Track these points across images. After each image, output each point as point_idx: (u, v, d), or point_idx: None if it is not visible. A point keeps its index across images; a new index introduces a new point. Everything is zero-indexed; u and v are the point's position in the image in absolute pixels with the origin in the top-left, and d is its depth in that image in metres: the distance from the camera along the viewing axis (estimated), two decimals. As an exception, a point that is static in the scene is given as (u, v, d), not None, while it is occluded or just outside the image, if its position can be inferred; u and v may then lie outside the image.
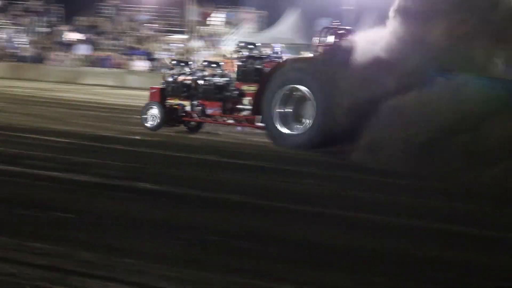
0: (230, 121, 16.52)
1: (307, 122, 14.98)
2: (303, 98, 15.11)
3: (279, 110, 15.25)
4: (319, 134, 14.62)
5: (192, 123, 16.94)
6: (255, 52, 16.46)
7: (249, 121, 16.14)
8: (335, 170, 12.80)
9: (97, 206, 8.51)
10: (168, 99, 16.79)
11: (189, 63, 17.80)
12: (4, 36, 38.76)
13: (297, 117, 15.30)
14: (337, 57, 14.68)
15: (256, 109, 15.72)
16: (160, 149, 13.98)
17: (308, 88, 14.91)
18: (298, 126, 15.22)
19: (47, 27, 39.29)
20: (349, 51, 14.46)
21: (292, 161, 13.41)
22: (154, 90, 17.10)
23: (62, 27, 38.83)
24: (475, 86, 12.70)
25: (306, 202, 9.65)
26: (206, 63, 17.60)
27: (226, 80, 16.45)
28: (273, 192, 10.38)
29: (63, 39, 37.93)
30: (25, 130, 15.17)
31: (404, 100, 13.09)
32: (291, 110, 15.27)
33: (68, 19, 39.59)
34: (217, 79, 16.46)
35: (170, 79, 16.98)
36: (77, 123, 17.10)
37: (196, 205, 9.07)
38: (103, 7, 39.56)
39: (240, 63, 16.40)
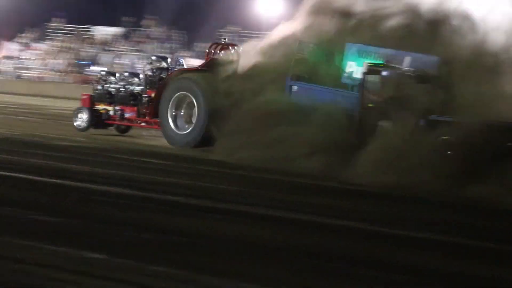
0: (142, 124, 19.13)
1: (193, 123, 17.55)
2: (192, 103, 17.63)
3: (172, 112, 17.86)
4: (200, 134, 17.28)
5: (122, 126, 19.66)
6: (163, 64, 19.29)
7: (156, 124, 18.44)
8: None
9: (216, 231, 8.65)
10: (95, 105, 19.43)
11: (115, 74, 20.60)
12: (127, 62, 39.76)
13: (187, 120, 17.86)
14: (217, 68, 17.51)
15: (155, 112, 18.25)
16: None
17: (193, 95, 17.56)
18: (186, 127, 17.78)
19: (169, 53, 40.13)
20: (227, 64, 17.45)
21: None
22: (84, 97, 19.87)
23: (183, 53, 39.58)
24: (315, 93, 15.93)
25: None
26: (127, 74, 20.62)
27: (141, 89, 19.03)
28: (395, 219, 10.47)
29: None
30: (157, 155, 15.93)
31: (260, 103, 15.95)
32: (182, 113, 17.87)
33: (189, 46, 40.39)
34: (133, 88, 19.22)
35: (99, 87, 19.74)
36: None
37: (312, 230, 9.16)
38: (223, 33, 40.13)
39: (150, 74, 19.07)
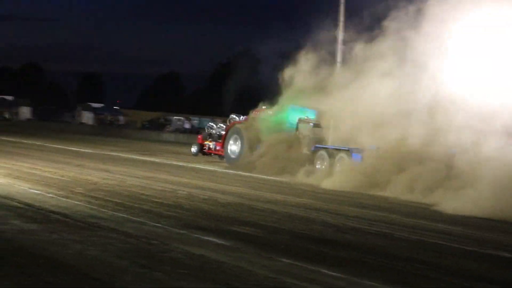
0: (222, 153, 29.49)
1: (238, 152, 27.70)
2: (239, 141, 28.03)
3: (230, 146, 28.40)
4: (241, 159, 27.45)
5: (221, 156, 30.13)
6: (236, 119, 30.65)
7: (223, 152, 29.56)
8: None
9: None
10: (204, 142, 31.06)
11: (217, 124, 32.21)
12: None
13: (236, 150, 28.04)
14: (253, 122, 27.96)
15: (223, 145, 29.03)
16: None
17: (240, 136, 27.81)
18: (238, 154, 27.89)
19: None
20: (258, 120, 27.96)
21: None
22: (199, 137, 31.63)
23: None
24: None
25: None
26: (221, 124, 31.96)
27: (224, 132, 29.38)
28: None
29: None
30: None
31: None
32: (235, 146, 28.17)
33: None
34: (222, 132, 30.22)
35: (206, 132, 31.48)
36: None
37: None
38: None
39: (227, 123, 30.93)
